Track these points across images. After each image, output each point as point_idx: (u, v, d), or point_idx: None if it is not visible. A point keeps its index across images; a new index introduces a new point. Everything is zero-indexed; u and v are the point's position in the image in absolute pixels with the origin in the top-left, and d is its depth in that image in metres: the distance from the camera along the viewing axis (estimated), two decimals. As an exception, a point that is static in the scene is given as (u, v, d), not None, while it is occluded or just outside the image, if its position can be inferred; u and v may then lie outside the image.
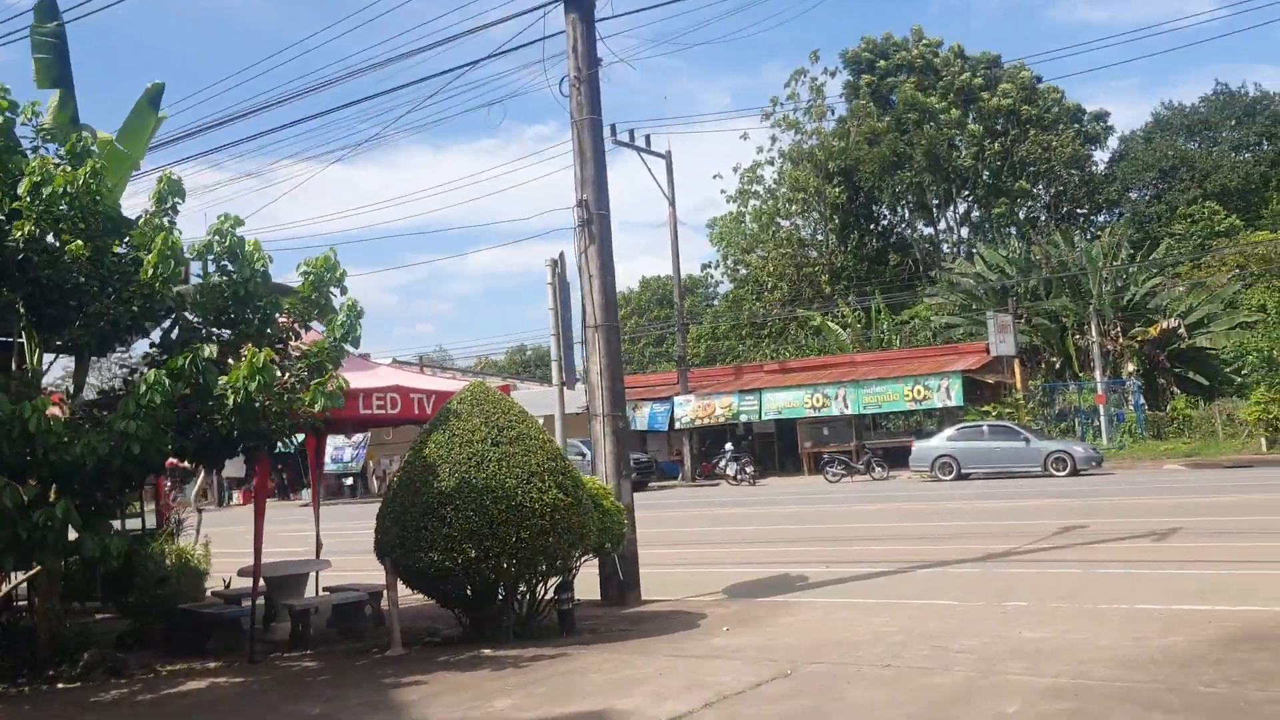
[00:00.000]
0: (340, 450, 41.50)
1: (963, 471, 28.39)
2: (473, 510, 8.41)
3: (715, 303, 63.08)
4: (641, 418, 36.85)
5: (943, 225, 56.71)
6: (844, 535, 16.56)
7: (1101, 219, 55.38)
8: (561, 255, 11.75)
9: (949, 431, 29.48)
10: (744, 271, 57.36)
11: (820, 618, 9.47)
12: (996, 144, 50.64)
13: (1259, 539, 13.51)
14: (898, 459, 30.71)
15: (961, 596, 10.45)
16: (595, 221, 11.37)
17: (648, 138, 34.58)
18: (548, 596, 9.41)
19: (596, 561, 10.88)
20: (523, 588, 9.17)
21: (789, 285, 51.90)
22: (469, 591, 8.84)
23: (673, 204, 35.48)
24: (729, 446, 34.31)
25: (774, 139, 53.14)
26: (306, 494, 42.12)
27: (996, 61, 53.28)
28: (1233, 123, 61.59)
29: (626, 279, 70.47)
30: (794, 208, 54.53)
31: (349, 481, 41.84)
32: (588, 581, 11.10)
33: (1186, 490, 20.96)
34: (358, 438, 41.15)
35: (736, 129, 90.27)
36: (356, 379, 9.95)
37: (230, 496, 44.29)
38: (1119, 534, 14.48)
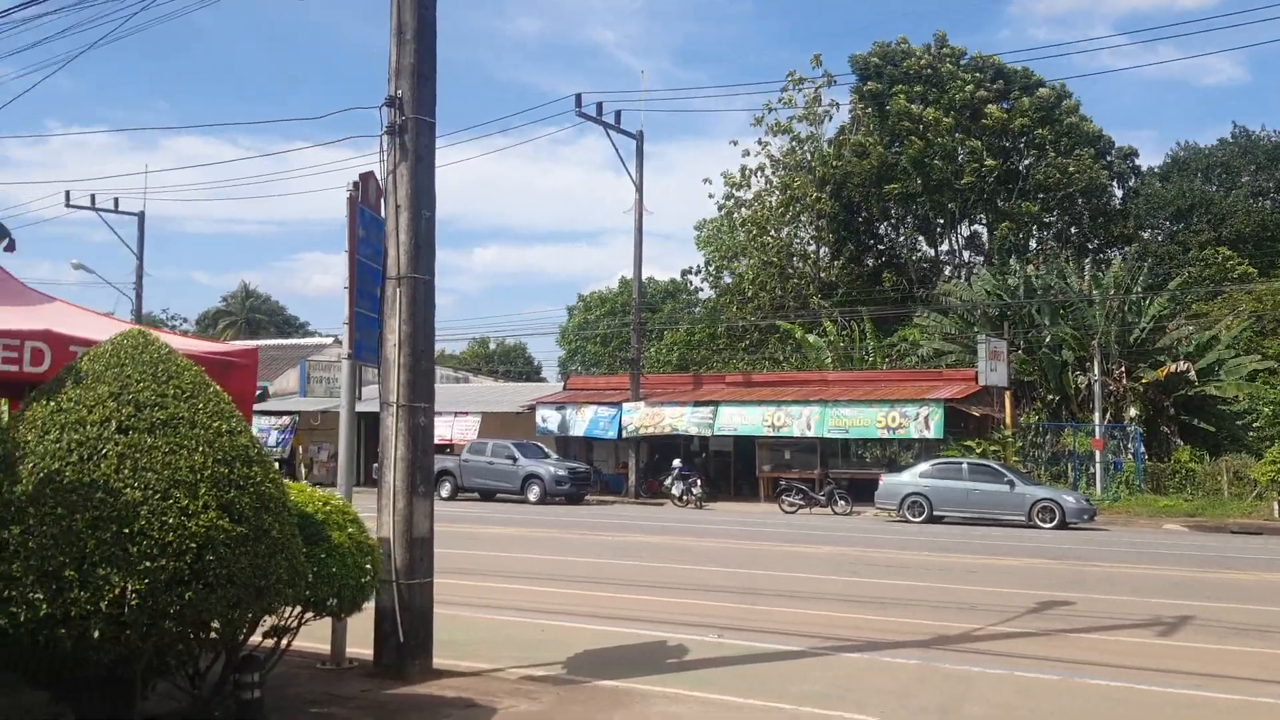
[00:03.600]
0: (265, 432, 38.00)
1: (935, 513, 24.98)
2: (52, 536, 5.01)
3: (695, 310, 59.64)
4: (582, 421, 33.38)
5: (945, 247, 53.40)
6: (769, 587, 13.15)
7: (1112, 254, 52.06)
8: (372, 179, 8.32)
9: (923, 466, 26.06)
10: (727, 279, 53.96)
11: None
12: (993, 161, 47.08)
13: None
14: (865, 492, 27.31)
15: (887, 711, 7.13)
16: (412, 129, 7.98)
17: (618, 114, 31.29)
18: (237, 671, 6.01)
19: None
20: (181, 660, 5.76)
21: (771, 297, 48.45)
22: (52, 668, 5.39)
23: (639, 189, 32.11)
24: (677, 463, 30.85)
25: (762, 144, 49.73)
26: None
27: (1028, 78, 49.83)
28: (1253, 168, 58.53)
29: (606, 279, 67.04)
30: (784, 216, 51.09)
31: (276, 465, 38.24)
32: (363, 631, 7.77)
33: (1193, 561, 17.54)
34: (285, 419, 37.81)
35: (735, 134, 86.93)
36: (-14, 315, 6.59)
37: None
38: (1114, 619, 11.07)
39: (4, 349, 6.38)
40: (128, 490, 5.15)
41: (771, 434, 30.84)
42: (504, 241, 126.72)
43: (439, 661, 8.08)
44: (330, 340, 46.12)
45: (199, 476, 5.32)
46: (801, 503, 27.90)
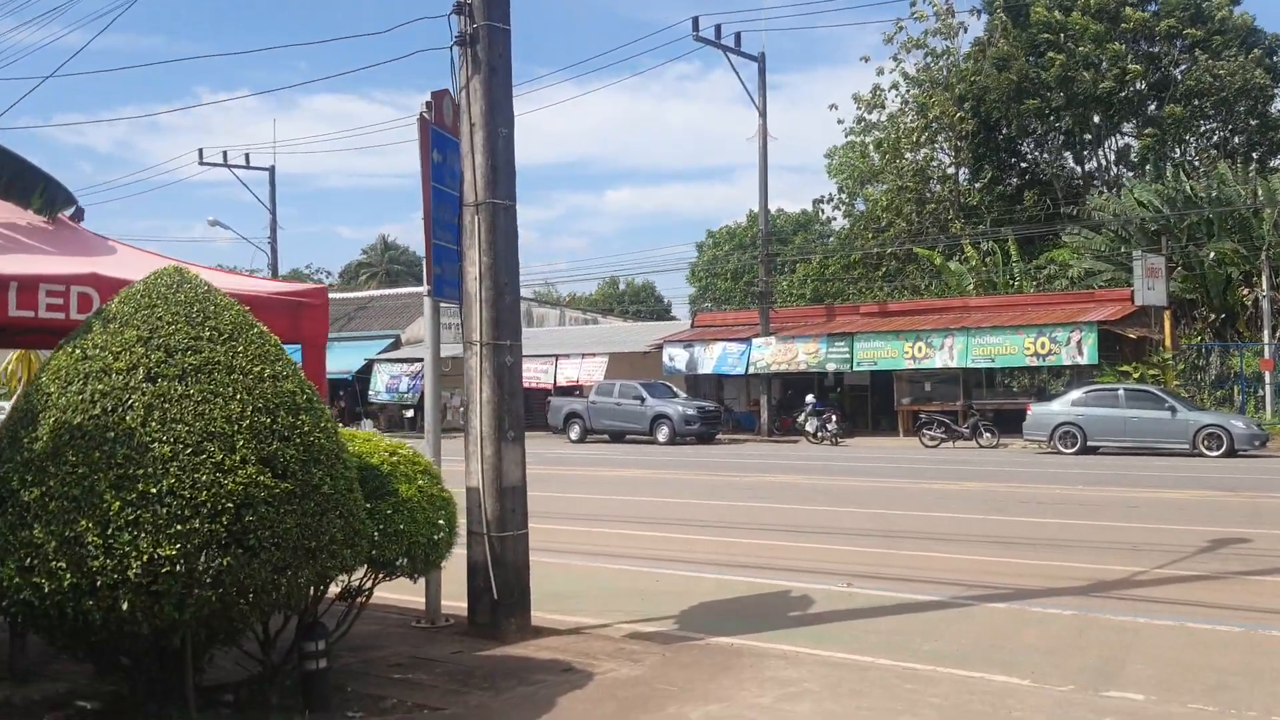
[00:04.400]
0: (396, 379, 38.51)
1: (1089, 444, 23.38)
2: (73, 498, 4.50)
3: (829, 240, 57.76)
4: (710, 358, 32.49)
5: (1093, 164, 50.22)
6: (907, 528, 12.22)
7: (1278, 163, 48.01)
8: (446, 97, 7.60)
9: (1075, 394, 24.39)
10: (862, 207, 51.93)
11: (768, 704, 5.38)
12: (1137, 66, 43.70)
13: None
14: (1013, 424, 25.79)
15: (1037, 672, 6.20)
16: (484, 38, 7.21)
17: (738, 36, 29.95)
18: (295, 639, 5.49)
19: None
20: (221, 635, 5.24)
21: (908, 222, 46.40)
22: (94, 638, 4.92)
23: (763, 114, 30.80)
24: (810, 398, 29.77)
25: (896, 60, 47.32)
26: (368, 424, 39.36)
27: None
28: None
29: (738, 215, 65.56)
30: (920, 137, 48.71)
31: (409, 414, 38.78)
32: (461, 584, 7.24)
33: (1388, 488, 15.78)
34: (415, 366, 38.12)
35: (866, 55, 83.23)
36: (33, 262, 6.16)
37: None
38: (1302, 560, 9.79)
39: (49, 295, 5.94)
40: (155, 444, 4.59)
41: (912, 365, 29.43)
42: (637, 182, 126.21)
43: (543, 616, 7.49)
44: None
45: (236, 427, 4.74)
46: (944, 436, 26.60)
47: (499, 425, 7.28)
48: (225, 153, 40.48)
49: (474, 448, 7.37)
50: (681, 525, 12.74)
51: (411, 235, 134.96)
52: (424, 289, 7.52)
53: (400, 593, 7.17)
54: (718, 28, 29.47)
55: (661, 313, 65.40)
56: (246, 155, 41.11)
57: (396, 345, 40.96)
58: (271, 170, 41.29)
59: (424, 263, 7.42)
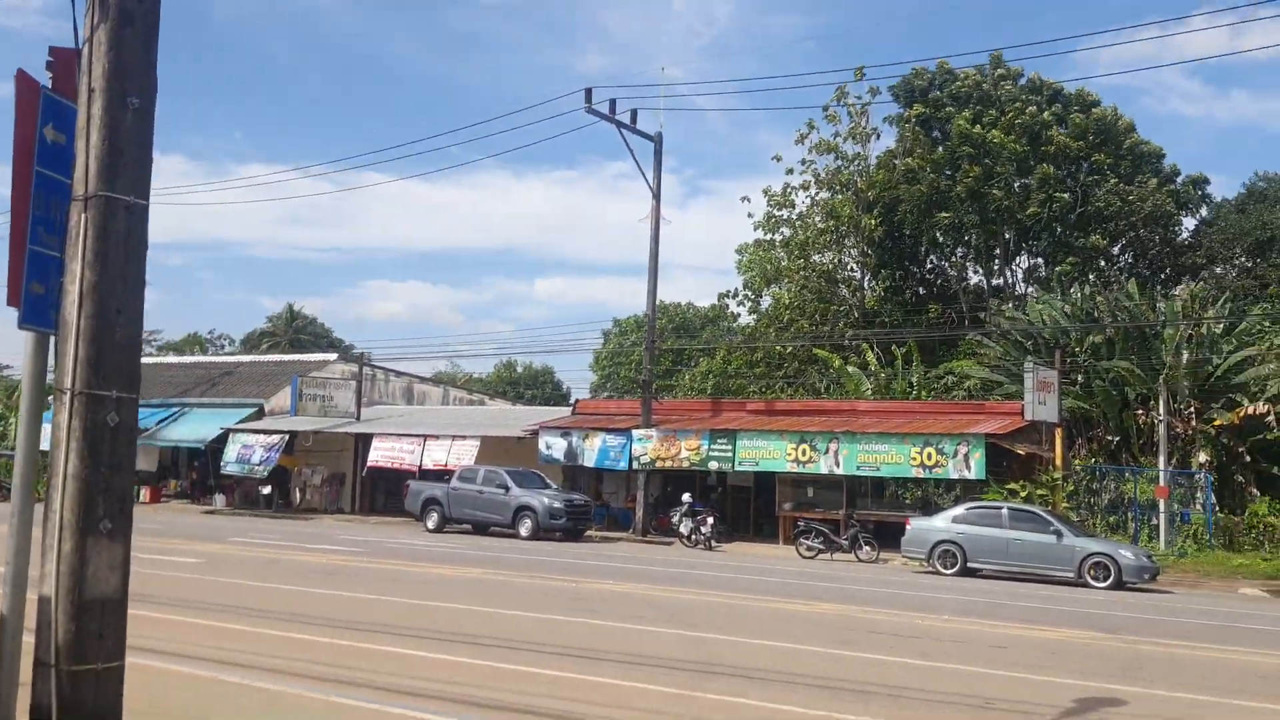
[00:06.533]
0: (249, 449, 35.54)
1: (969, 565, 21.74)
2: None
3: (734, 337, 56.54)
4: (592, 450, 30.36)
5: (1000, 280, 49.92)
6: (729, 661, 10.21)
7: (1185, 283, 48.16)
8: (74, 57, 5.60)
9: (957, 510, 22.80)
10: (767, 303, 50.92)
11: None
12: (1063, 194, 43.85)
13: None
14: (895, 537, 24.08)
15: None
16: (117, -21, 5.27)
17: (633, 113, 28.57)
18: None
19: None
20: None
21: (811, 323, 45.31)
22: None
23: (657, 196, 29.30)
24: (686, 498, 27.81)
25: (805, 162, 46.74)
26: (220, 499, 36.35)
27: (1084, 99, 46.57)
28: (1337, 200, 54.24)
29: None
30: (826, 239, 48.03)
31: (266, 490, 35.77)
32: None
33: (1281, 637, 14.22)
34: (272, 438, 35.42)
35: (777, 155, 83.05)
36: None
37: (138, 493, 38.56)
38: (1183, 734, 7.97)
39: None
40: None
41: (795, 468, 27.70)
42: (567, 273, 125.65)
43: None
44: (333, 357, 43.85)
45: None
46: (821, 547, 24.79)
47: (88, 511, 5.13)
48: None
49: (50, 539, 5.21)
50: (459, 643, 10.55)
51: (337, 309, 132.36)
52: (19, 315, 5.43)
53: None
54: (612, 102, 28.05)
55: (559, 399, 63.34)
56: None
57: (259, 415, 38.12)
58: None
59: (6, 278, 5.35)
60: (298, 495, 36.71)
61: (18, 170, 5.35)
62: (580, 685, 8.74)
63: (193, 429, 38.04)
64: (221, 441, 36.43)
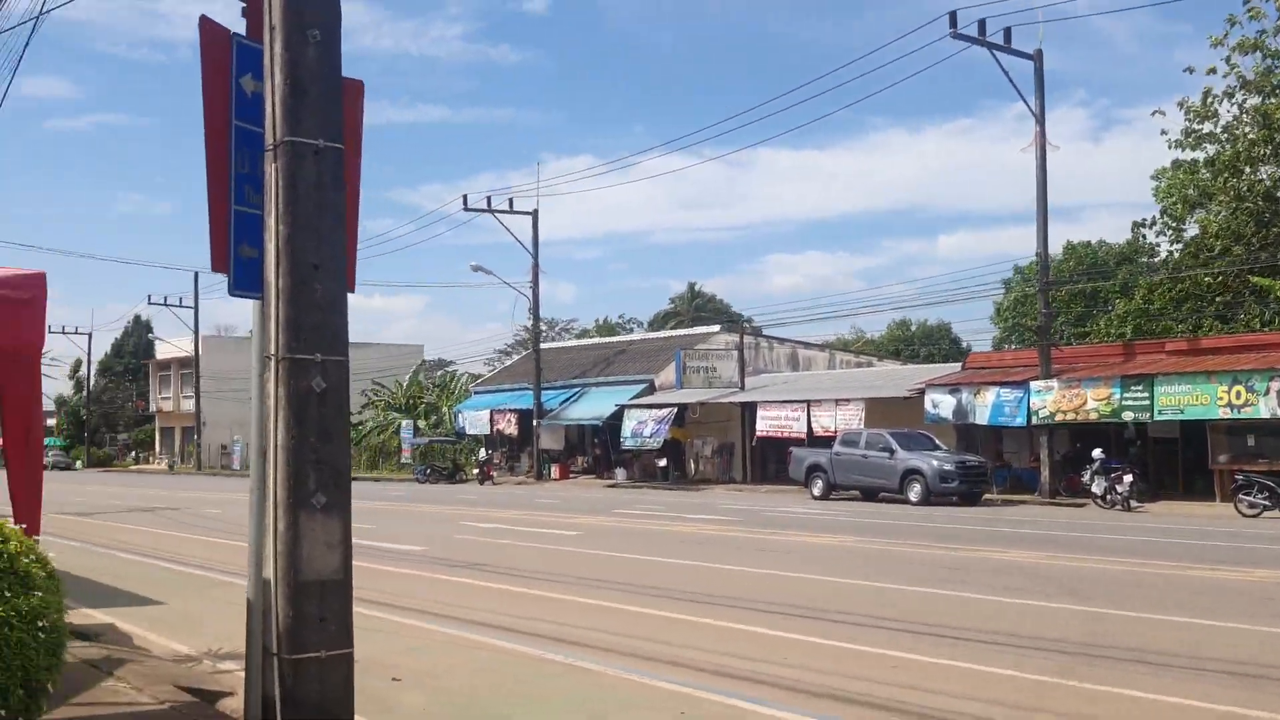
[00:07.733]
0: (642, 424, 36.65)
1: None
2: None
3: (1155, 274, 50.55)
4: (984, 406, 27.98)
5: None
6: (1116, 643, 8.46)
7: None
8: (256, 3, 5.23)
9: None
10: (1192, 232, 45.00)
11: None
12: None
13: None
14: (1366, 490, 20.01)
15: None
16: (288, -101, 4.78)
17: (1007, 30, 26.04)
18: None
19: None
20: None
21: (1245, 248, 39.37)
22: None
23: (1040, 121, 26.47)
24: (1098, 453, 24.76)
25: (1230, 64, 40.46)
26: (620, 473, 37.78)
27: None
28: None
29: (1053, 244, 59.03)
30: (1263, 151, 41.48)
31: (662, 463, 36.79)
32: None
33: None
34: (662, 412, 36.27)
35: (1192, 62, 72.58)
36: None
37: (549, 470, 41.05)
38: None
39: None
40: None
41: (1229, 415, 23.89)
42: (972, 225, 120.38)
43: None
44: (716, 329, 44.17)
45: None
46: (1267, 503, 21.16)
47: (298, 485, 4.71)
48: (489, 198, 40.66)
49: (265, 517, 4.87)
50: (799, 617, 9.55)
51: (737, 287, 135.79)
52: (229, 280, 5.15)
53: None
54: (981, 22, 25.57)
55: (958, 356, 60.07)
56: (510, 200, 41.09)
57: (650, 390, 39.27)
58: (534, 215, 40.88)
59: (210, 241, 5.05)
60: (692, 466, 37.38)
61: (211, 125, 5.02)
62: (915, 671, 7.46)
63: (591, 407, 40.04)
64: (617, 418, 37.88)
